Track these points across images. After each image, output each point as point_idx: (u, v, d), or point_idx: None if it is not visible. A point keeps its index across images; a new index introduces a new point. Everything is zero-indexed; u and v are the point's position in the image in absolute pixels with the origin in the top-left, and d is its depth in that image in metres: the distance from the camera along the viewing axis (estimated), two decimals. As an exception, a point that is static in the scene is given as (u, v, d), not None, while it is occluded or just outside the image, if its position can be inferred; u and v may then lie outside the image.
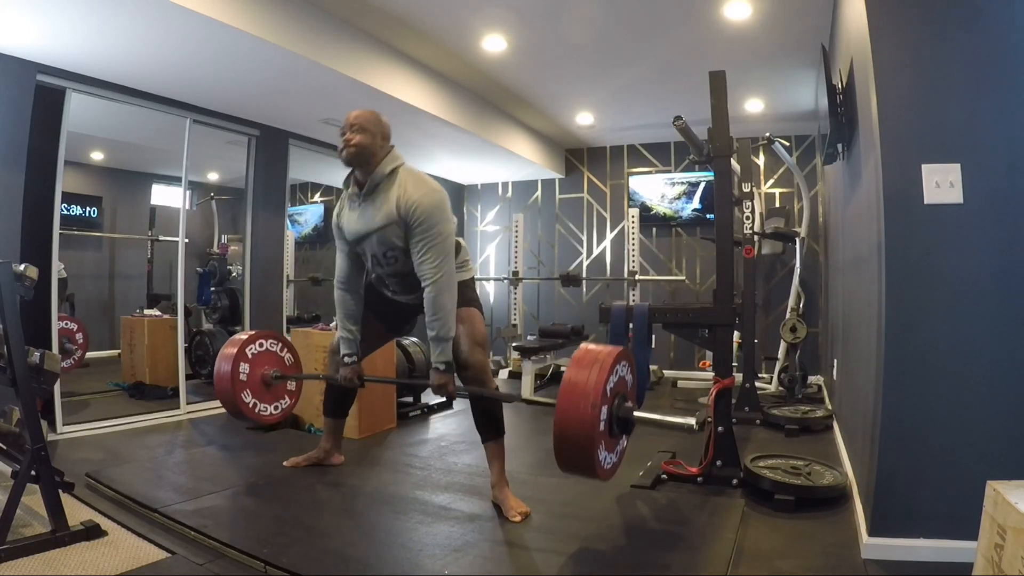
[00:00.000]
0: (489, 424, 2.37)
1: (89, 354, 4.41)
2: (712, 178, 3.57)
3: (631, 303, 3.80)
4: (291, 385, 3.05)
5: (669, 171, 6.31)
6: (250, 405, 2.85)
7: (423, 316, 2.33)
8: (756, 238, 4.92)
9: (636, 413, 1.94)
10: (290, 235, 5.15)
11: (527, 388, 4.79)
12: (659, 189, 6.29)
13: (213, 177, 5.42)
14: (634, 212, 5.83)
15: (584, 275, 6.52)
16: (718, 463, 2.61)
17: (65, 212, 3.82)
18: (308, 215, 6.22)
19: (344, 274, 2.53)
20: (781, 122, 5.42)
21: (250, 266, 4.54)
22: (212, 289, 4.88)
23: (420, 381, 3.63)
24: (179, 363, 4.03)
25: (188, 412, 3.96)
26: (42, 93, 3.29)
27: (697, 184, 6.13)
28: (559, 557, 1.92)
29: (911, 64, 1.93)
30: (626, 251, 5.88)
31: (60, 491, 1.99)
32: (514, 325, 6.00)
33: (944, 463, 1.84)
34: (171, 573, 1.83)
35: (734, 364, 2.86)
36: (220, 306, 4.80)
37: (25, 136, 3.19)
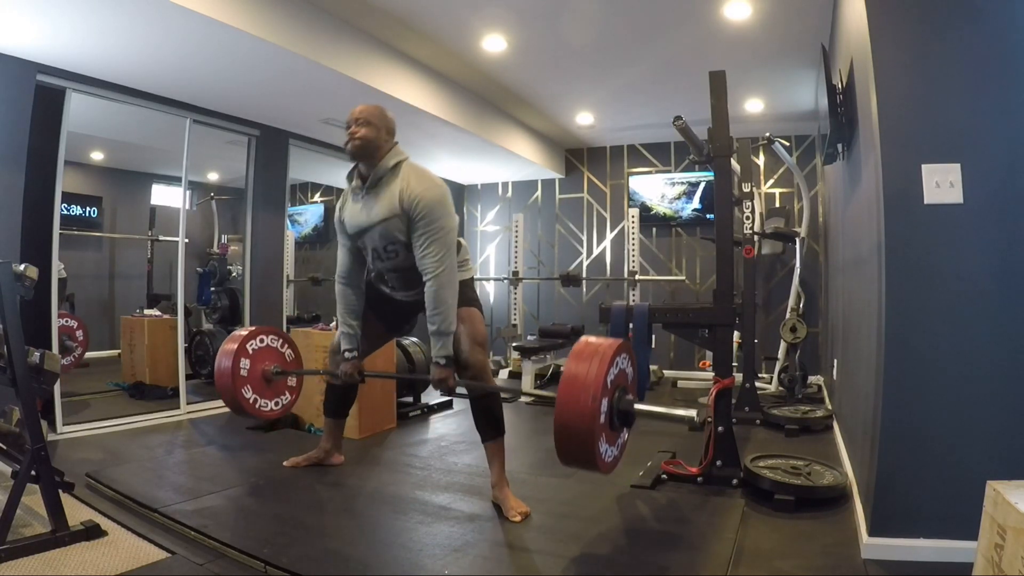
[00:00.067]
0: (489, 424, 2.37)
1: (89, 354, 4.41)
2: (712, 178, 3.58)
3: (631, 303, 3.80)
4: (292, 381, 3.05)
5: (669, 171, 6.31)
6: (251, 401, 2.86)
7: (423, 316, 2.34)
8: (756, 238, 4.91)
9: (637, 406, 1.93)
10: (290, 235, 5.15)
11: (527, 388, 4.79)
12: (659, 189, 6.29)
13: (213, 177, 5.42)
14: (634, 212, 5.82)
15: (584, 275, 6.52)
16: (718, 463, 2.61)
17: (65, 212, 3.83)
18: (308, 215, 6.22)
19: (345, 269, 2.55)
20: (781, 122, 5.42)
21: (250, 266, 4.54)
22: (212, 289, 4.89)
23: (421, 376, 3.63)
24: (179, 363, 4.03)
25: (188, 412, 3.96)
26: (42, 93, 3.30)
27: (697, 184, 6.13)
28: (559, 557, 1.92)
29: (911, 64, 1.93)
30: (626, 251, 5.87)
31: (60, 491, 1.99)
32: (514, 325, 6.00)
33: (944, 463, 1.84)
34: (171, 573, 1.83)
35: (734, 364, 2.86)
36: (220, 306, 4.81)
37: (25, 136, 3.20)
